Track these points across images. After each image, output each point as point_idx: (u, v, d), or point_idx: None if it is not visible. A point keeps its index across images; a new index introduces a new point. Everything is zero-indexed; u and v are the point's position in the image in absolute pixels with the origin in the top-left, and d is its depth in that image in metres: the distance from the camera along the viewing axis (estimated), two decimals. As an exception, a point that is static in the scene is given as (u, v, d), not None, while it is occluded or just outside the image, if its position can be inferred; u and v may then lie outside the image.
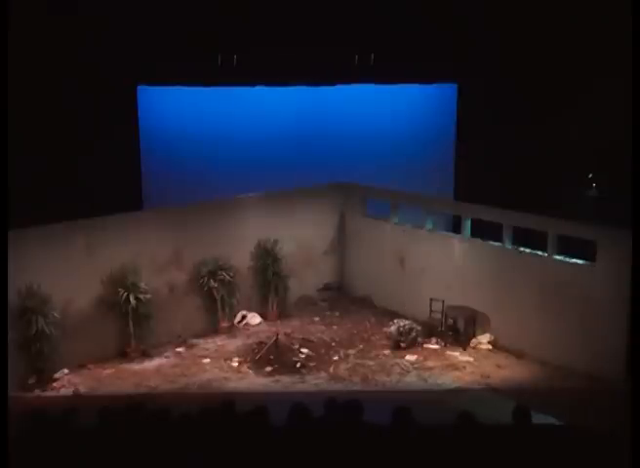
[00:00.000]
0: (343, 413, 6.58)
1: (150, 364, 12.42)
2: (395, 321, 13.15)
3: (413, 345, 12.86)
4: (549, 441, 6.23)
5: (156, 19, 14.54)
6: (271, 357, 12.44)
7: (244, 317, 14.14)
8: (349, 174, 15.24)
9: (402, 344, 12.79)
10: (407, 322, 13.06)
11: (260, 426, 6.38)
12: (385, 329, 13.30)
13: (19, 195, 10.13)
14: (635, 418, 5.80)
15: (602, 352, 11.27)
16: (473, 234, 13.49)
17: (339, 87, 16.64)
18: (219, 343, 13.28)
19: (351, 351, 12.88)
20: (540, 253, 12.41)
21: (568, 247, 12.31)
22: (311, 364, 12.37)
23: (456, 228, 14.34)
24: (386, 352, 12.79)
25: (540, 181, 16.13)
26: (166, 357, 12.71)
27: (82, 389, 11.43)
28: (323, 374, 12.03)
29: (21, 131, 12.02)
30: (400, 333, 12.86)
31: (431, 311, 13.37)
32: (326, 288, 15.31)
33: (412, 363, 12.39)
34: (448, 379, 11.87)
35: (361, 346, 13.10)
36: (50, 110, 13.98)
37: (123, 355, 12.48)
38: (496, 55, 16.01)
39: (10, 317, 9.85)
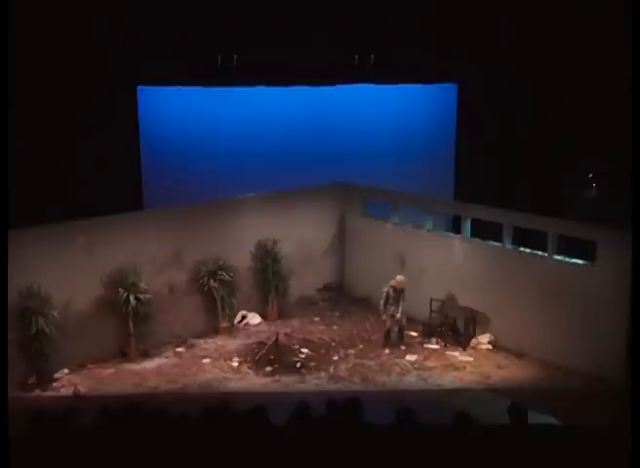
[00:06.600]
0: (344, 413, 6.58)
1: (150, 364, 12.41)
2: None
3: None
4: (549, 441, 6.23)
5: (156, 19, 14.56)
6: (271, 357, 12.42)
7: (244, 317, 14.13)
8: (349, 174, 15.23)
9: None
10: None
11: (260, 426, 6.38)
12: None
13: (19, 195, 10.14)
14: (635, 418, 5.79)
15: (602, 352, 11.27)
16: (473, 234, 13.50)
17: (339, 87, 16.65)
18: (219, 343, 13.27)
19: (351, 351, 12.87)
20: (540, 253, 12.40)
21: (568, 247, 12.32)
22: (311, 364, 12.37)
23: (456, 228, 14.34)
24: (386, 352, 12.80)
25: (539, 181, 16.14)
26: (166, 357, 12.69)
27: (82, 389, 11.42)
28: (323, 374, 12.02)
29: (22, 131, 12.03)
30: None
31: (431, 311, 13.38)
32: (326, 288, 15.31)
33: (412, 363, 12.39)
34: (448, 379, 11.86)
35: (361, 346, 13.09)
36: (50, 110, 14.00)
37: (123, 355, 12.46)
38: (495, 55, 16.02)
39: (10, 317, 9.85)
